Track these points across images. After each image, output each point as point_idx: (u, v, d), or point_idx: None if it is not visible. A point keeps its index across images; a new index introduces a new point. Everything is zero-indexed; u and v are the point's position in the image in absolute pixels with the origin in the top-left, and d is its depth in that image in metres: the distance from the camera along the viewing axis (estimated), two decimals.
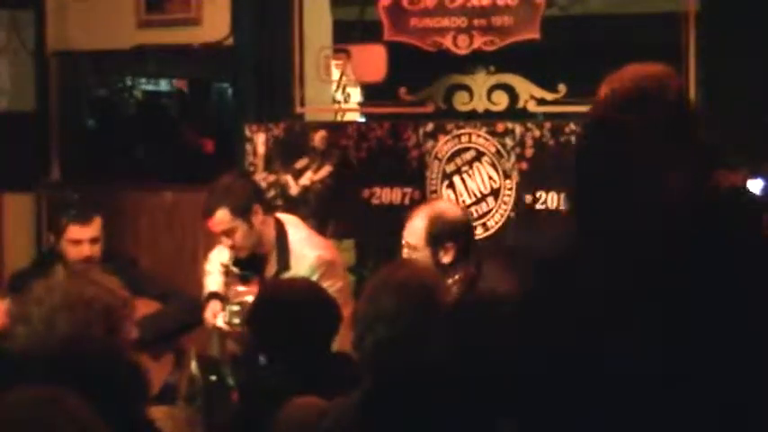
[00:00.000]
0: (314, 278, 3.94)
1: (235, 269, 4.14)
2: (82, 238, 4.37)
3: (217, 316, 4.07)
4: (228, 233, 4.08)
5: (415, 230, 3.76)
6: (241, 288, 4.07)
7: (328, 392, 2.88)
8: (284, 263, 4.12)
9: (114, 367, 2.59)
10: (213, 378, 3.56)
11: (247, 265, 4.15)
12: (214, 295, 4.20)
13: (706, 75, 4.58)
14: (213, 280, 4.25)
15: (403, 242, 3.80)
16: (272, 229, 4.16)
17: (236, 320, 3.90)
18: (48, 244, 4.87)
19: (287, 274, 4.03)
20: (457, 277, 3.72)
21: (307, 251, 4.12)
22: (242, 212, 4.06)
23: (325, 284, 3.79)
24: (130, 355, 2.75)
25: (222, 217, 4.05)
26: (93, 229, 4.41)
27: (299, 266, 4.07)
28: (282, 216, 4.33)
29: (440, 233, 3.73)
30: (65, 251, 4.40)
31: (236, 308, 3.89)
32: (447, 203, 4.24)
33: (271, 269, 4.13)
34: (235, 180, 4.18)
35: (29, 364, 2.56)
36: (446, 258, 3.73)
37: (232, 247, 4.13)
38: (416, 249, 3.74)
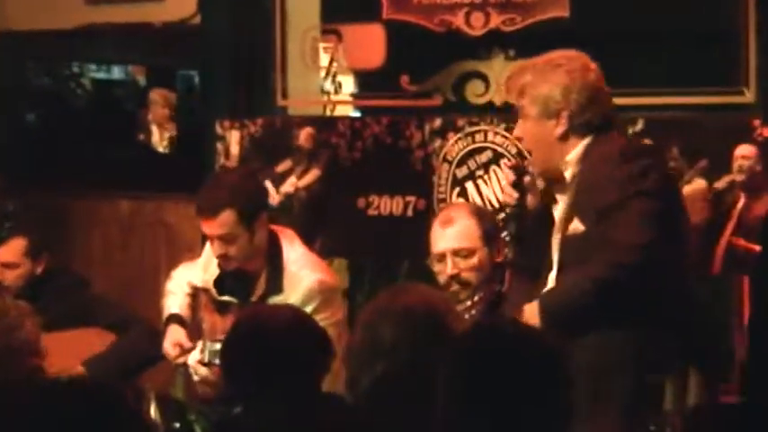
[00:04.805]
0: (311, 305, 3.83)
1: (214, 292, 3.96)
2: None
3: (177, 345, 3.91)
4: (227, 239, 3.90)
5: (468, 232, 3.73)
6: (219, 319, 3.93)
7: None
8: (276, 284, 3.95)
9: None
10: (177, 426, 3.51)
11: (230, 287, 3.98)
12: (175, 318, 4.04)
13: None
14: (175, 301, 4.09)
15: (443, 251, 3.72)
16: (265, 243, 4.00)
17: (218, 361, 3.65)
18: None
19: (277, 299, 3.90)
20: (477, 298, 3.70)
21: (305, 273, 3.96)
22: (249, 219, 3.91)
23: (321, 315, 3.73)
24: None
25: (227, 220, 3.88)
26: (4, 252, 4.34)
27: (293, 289, 3.92)
28: (276, 228, 4.14)
29: (492, 229, 3.76)
30: None
31: (218, 346, 3.55)
32: (467, 202, 4.36)
33: (258, 291, 3.98)
34: (242, 178, 4.09)
35: None
36: (499, 257, 3.76)
37: (222, 257, 3.93)
38: (473, 254, 3.72)
